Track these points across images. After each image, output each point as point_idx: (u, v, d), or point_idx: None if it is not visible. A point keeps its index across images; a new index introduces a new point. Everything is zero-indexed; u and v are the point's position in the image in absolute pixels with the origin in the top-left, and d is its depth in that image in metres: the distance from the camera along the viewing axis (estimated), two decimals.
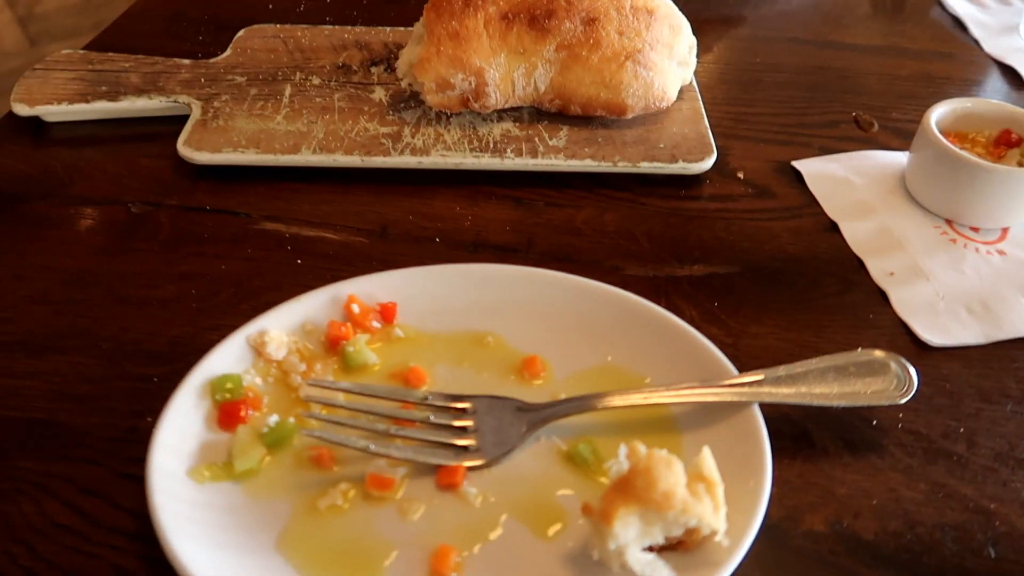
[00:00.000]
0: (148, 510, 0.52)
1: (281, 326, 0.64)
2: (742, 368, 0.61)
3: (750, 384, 0.59)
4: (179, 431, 0.57)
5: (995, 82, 1.08)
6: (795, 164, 0.88)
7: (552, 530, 0.54)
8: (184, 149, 0.83)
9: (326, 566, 0.51)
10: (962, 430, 0.63)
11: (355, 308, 0.65)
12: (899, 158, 0.89)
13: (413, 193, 0.83)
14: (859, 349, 0.62)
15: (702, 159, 0.84)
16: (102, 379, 0.65)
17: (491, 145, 0.84)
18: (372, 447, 0.55)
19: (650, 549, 0.51)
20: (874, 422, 0.63)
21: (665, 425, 0.60)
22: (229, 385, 0.59)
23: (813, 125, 0.96)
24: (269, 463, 0.57)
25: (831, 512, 0.57)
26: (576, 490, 0.56)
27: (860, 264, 0.77)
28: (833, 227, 0.81)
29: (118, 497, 0.57)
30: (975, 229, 0.81)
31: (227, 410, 0.58)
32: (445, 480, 0.56)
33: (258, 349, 0.62)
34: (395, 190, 0.83)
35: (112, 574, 0.53)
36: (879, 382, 0.60)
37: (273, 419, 0.58)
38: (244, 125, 0.85)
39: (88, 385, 0.64)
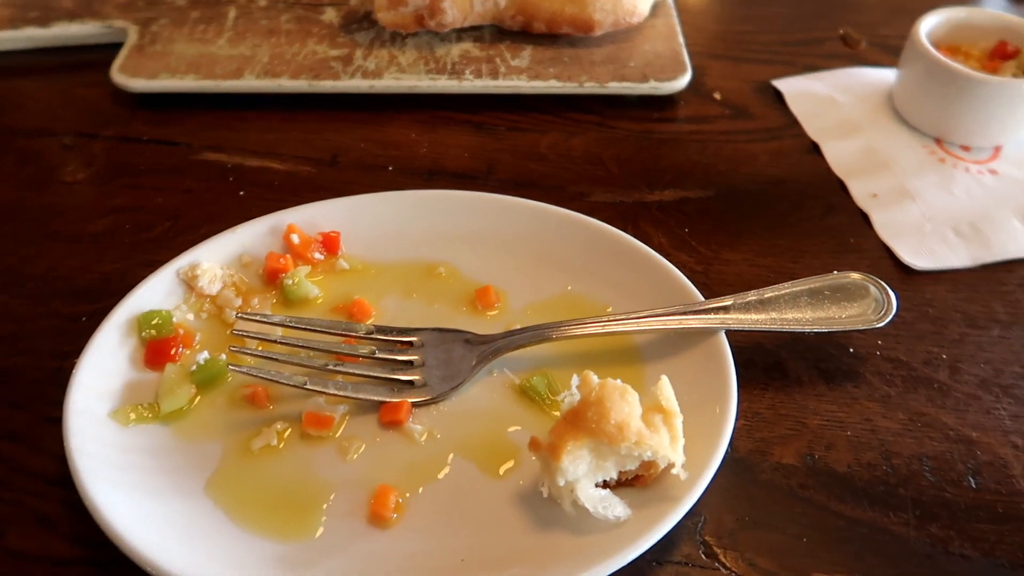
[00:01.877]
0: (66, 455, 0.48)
1: (215, 259, 0.59)
2: (712, 296, 0.57)
3: (716, 310, 0.55)
4: (102, 370, 0.53)
5: None
6: (775, 83, 0.83)
7: (503, 468, 0.50)
8: (119, 76, 0.77)
9: (259, 509, 0.48)
10: (945, 356, 0.59)
11: (295, 238, 0.60)
12: (887, 75, 0.83)
13: (366, 120, 0.78)
14: (834, 272, 0.58)
15: (675, 78, 0.78)
16: (27, 318, 0.61)
17: (449, 67, 0.79)
18: (308, 383, 0.51)
19: (604, 485, 0.47)
20: (851, 350, 0.59)
21: (627, 356, 0.56)
22: (156, 321, 0.55)
23: (797, 43, 0.90)
24: (199, 403, 0.53)
25: (802, 444, 0.54)
26: (529, 426, 0.52)
27: (843, 186, 0.72)
28: (815, 148, 0.76)
29: (41, 441, 0.53)
30: (966, 148, 0.76)
31: (154, 348, 0.54)
32: (388, 417, 0.52)
33: (190, 283, 0.58)
34: (346, 116, 0.78)
35: (33, 520, 0.50)
36: (856, 306, 0.56)
37: (203, 356, 0.54)
38: (184, 50, 0.80)
39: (12, 325, 0.60)
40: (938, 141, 0.76)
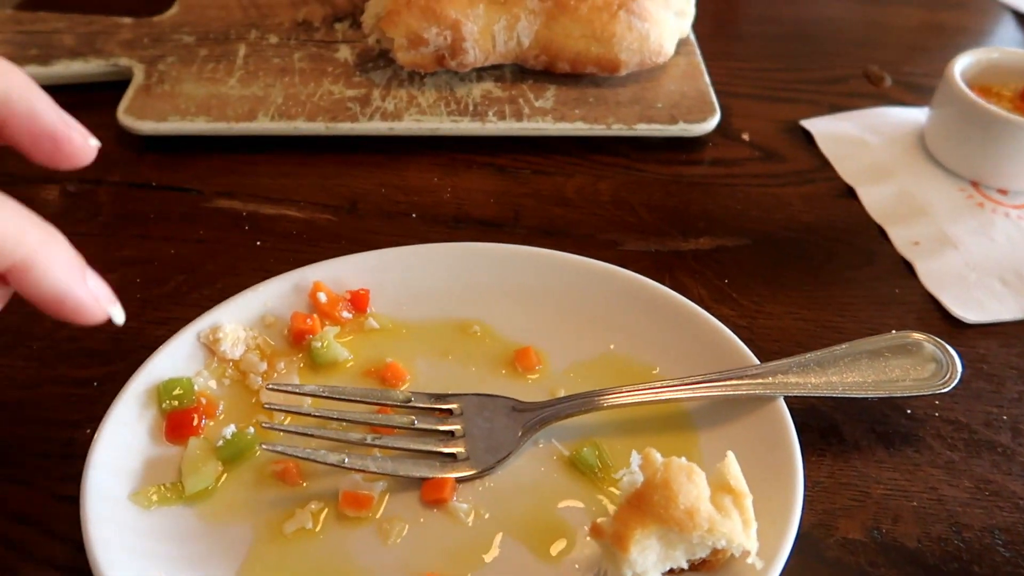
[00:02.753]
0: (84, 542, 0.44)
1: (237, 319, 0.55)
2: (758, 353, 0.54)
3: (775, 374, 0.52)
4: (120, 446, 0.49)
5: (1009, 31, 1.01)
6: (804, 124, 0.81)
7: (555, 549, 0.47)
8: (125, 118, 0.73)
9: None
10: (1005, 417, 0.57)
11: (322, 297, 0.57)
12: (917, 115, 0.81)
13: (385, 163, 0.75)
14: (893, 332, 0.55)
15: (704, 119, 0.76)
16: (32, 384, 0.56)
17: (471, 108, 0.76)
18: (346, 460, 0.48)
19: (671, 572, 0.44)
20: (909, 411, 0.57)
21: (679, 422, 0.53)
22: (178, 391, 0.51)
23: (820, 80, 0.88)
24: (226, 481, 0.49)
25: (868, 517, 0.51)
26: (581, 500, 0.49)
27: (881, 233, 0.70)
28: (849, 192, 0.74)
29: (53, 523, 0.49)
30: (1003, 192, 0.74)
31: (176, 420, 0.50)
32: (431, 495, 0.48)
33: (211, 347, 0.54)
34: (365, 160, 0.75)
35: None
36: (917, 368, 0.53)
37: (230, 430, 0.50)
38: (193, 90, 0.76)
39: (17, 391, 0.56)
40: (974, 184, 0.75)
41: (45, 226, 0.34)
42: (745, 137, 0.79)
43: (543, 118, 0.75)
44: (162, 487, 0.48)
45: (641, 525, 0.42)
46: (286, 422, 0.51)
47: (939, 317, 0.63)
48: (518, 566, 0.46)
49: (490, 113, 0.75)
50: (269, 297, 0.57)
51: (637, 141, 0.77)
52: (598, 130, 0.75)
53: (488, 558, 0.46)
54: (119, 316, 0.38)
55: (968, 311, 0.63)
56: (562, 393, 0.53)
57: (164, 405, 0.51)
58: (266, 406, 0.50)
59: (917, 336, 0.54)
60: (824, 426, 0.55)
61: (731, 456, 0.45)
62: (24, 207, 0.34)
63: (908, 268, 0.67)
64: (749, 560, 0.42)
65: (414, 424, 0.51)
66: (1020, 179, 0.73)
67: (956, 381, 0.52)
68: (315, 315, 0.57)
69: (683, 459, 0.44)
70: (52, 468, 0.52)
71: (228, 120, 0.73)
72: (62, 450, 0.53)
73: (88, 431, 0.50)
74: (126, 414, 0.50)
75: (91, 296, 0.36)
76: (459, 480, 0.49)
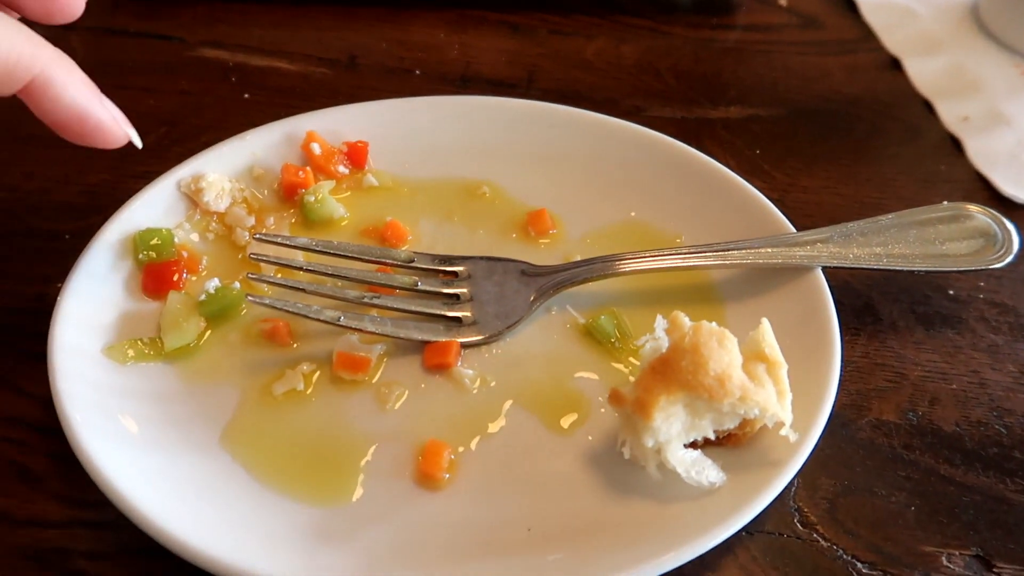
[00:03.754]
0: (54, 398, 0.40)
1: (223, 170, 0.50)
2: (795, 229, 0.49)
3: (812, 243, 0.47)
4: (92, 299, 0.44)
5: None
6: None
7: (567, 421, 0.43)
8: None
9: (285, 466, 0.40)
10: None
11: (316, 148, 0.51)
12: None
13: (387, 16, 0.68)
14: (944, 203, 0.50)
15: None
16: (1, 236, 0.52)
17: None
18: (342, 319, 0.43)
19: (693, 445, 0.40)
20: (951, 292, 0.52)
21: (704, 294, 0.49)
22: (156, 241, 0.46)
23: None
24: (210, 339, 0.45)
25: (904, 399, 0.47)
26: (597, 372, 0.45)
27: (928, 107, 0.64)
28: (895, 64, 0.68)
29: (23, 381, 0.45)
30: None
31: (154, 272, 0.46)
32: (434, 359, 0.44)
33: (193, 198, 0.49)
34: (365, 12, 0.68)
35: (14, 475, 0.42)
36: (968, 242, 0.48)
37: (213, 284, 0.45)
38: None
39: None
40: None
41: (54, 47, 0.34)
42: (782, 2, 0.72)
43: None
44: (139, 342, 0.44)
45: (666, 391, 0.38)
46: (277, 276, 0.46)
47: (988, 196, 0.58)
48: (527, 437, 0.42)
49: None
50: (258, 147, 0.51)
51: (664, 2, 0.70)
52: None
53: (494, 427, 0.43)
54: (137, 139, 0.37)
55: (1020, 190, 0.58)
56: (578, 258, 0.48)
57: (140, 256, 0.46)
58: (252, 257, 0.45)
59: (971, 207, 0.49)
60: (859, 305, 0.51)
61: (766, 323, 0.41)
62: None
63: (956, 145, 0.62)
64: (783, 431, 0.39)
65: (417, 285, 0.46)
66: None
67: (1012, 256, 0.48)
68: (308, 168, 0.51)
69: (713, 324, 0.39)
70: (22, 324, 0.48)
71: None
72: (32, 305, 0.48)
73: (59, 286, 0.45)
74: (98, 265, 0.45)
75: (110, 115, 0.36)
76: (464, 345, 0.45)
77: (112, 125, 0.36)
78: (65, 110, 0.34)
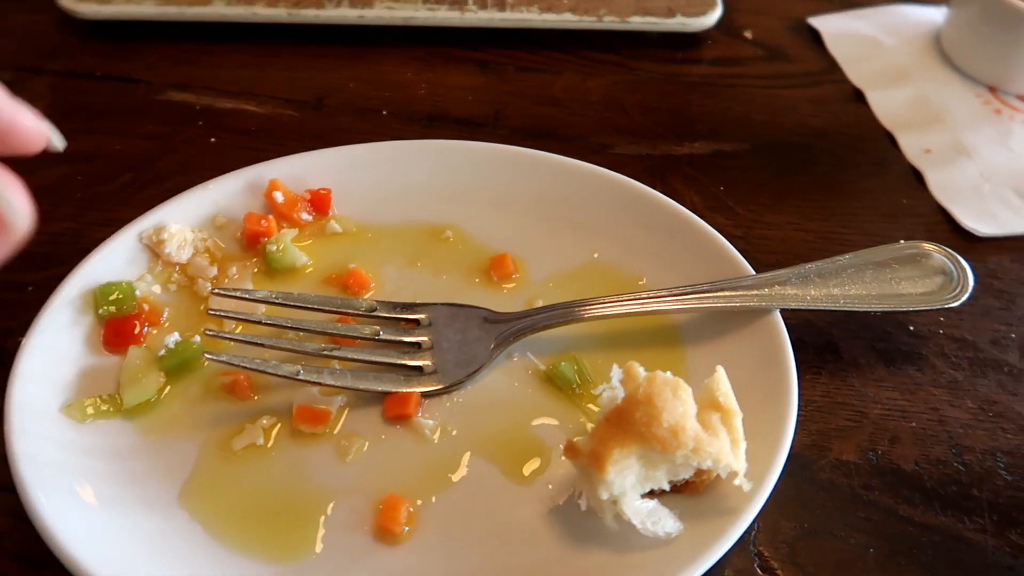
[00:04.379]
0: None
1: (185, 219, 0.50)
2: (755, 265, 0.50)
3: (771, 285, 0.48)
4: (52, 355, 0.44)
5: None
6: (812, 21, 0.74)
7: (528, 468, 0.43)
8: (66, 0, 0.66)
9: (244, 523, 0.41)
10: (1014, 336, 0.53)
11: (278, 196, 0.52)
12: (934, 15, 0.75)
13: (355, 56, 0.68)
14: (901, 242, 0.51)
15: (704, 13, 0.70)
16: None
17: None
18: (300, 372, 0.44)
19: (651, 493, 0.41)
20: (911, 328, 0.53)
21: (665, 337, 0.49)
22: (116, 295, 0.46)
23: None
24: (169, 394, 0.45)
25: (864, 438, 0.47)
26: (557, 418, 0.45)
27: (891, 140, 0.65)
28: (859, 96, 0.68)
29: None
30: (1022, 98, 0.68)
31: (114, 327, 0.46)
32: (394, 410, 0.44)
33: (155, 249, 0.49)
34: (332, 52, 0.68)
35: None
36: (926, 281, 0.49)
37: (173, 338, 0.45)
38: None
39: None
40: (992, 90, 0.69)
41: None
42: (748, 35, 0.73)
43: (528, 8, 0.68)
44: (98, 399, 0.44)
45: (620, 444, 0.38)
46: (237, 331, 0.46)
47: (949, 230, 0.59)
48: (487, 486, 0.43)
49: (470, 2, 0.68)
50: (220, 196, 0.52)
51: (631, 37, 0.71)
52: (588, 22, 0.68)
53: (455, 478, 0.43)
54: (59, 141, 0.36)
55: (980, 223, 0.58)
56: (540, 304, 0.49)
57: (101, 311, 0.46)
58: (211, 313, 0.45)
59: (927, 247, 0.50)
60: (820, 343, 0.52)
61: (721, 371, 0.41)
62: None
63: (918, 178, 0.62)
64: (737, 481, 0.39)
65: (379, 335, 0.46)
66: None
67: (967, 295, 0.48)
68: (271, 216, 0.51)
69: (668, 373, 0.40)
70: None
71: (180, 4, 0.66)
72: None
73: (20, 339, 0.45)
74: (58, 320, 0.45)
75: (33, 121, 0.34)
76: (425, 395, 0.45)
77: (36, 129, 0.35)
78: None
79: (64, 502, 0.39)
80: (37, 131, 0.34)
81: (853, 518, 0.44)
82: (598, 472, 0.38)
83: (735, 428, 0.40)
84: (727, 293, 0.47)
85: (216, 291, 0.46)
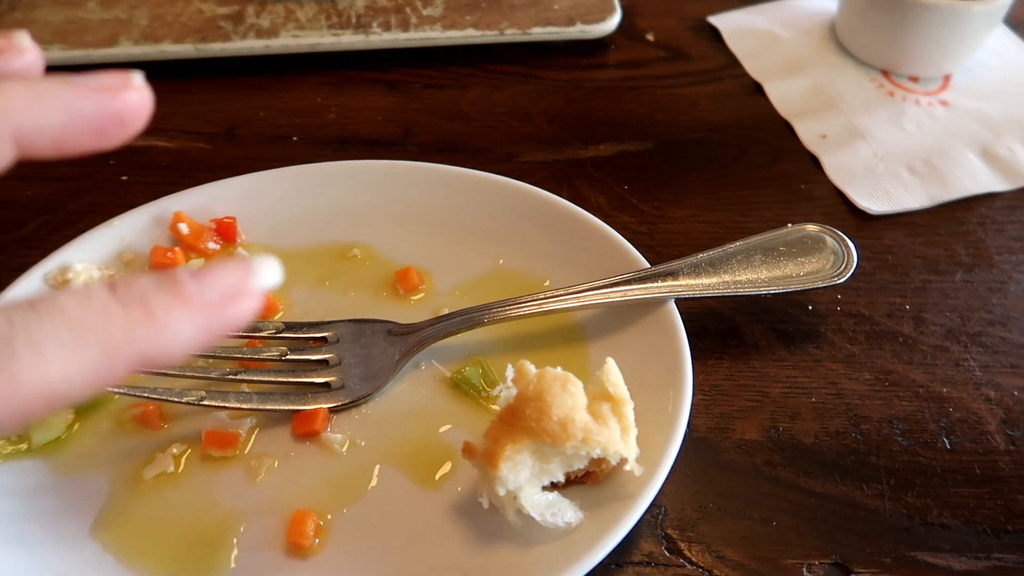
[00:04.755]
0: None
1: (91, 258, 0.51)
2: (658, 259, 0.51)
3: (664, 276, 0.49)
4: None
5: None
6: (712, 20, 0.77)
7: (439, 474, 0.45)
8: None
9: (157, 550, 0.41)
10: (908, 307, 0.55)
11: (183, 228, 0.53)
12: (829, 5, 0.78)
13: (265, 85, 0.69)
14: (788, 226, 0.53)
15: (604, 19, 0.72)
16: None
17: (353, 20, 0.70)
18: (205, 398, 0.44)
19: (552, 486, 0.42)
20: (810, 307, 0.55)
21: (570, 335, 0.50)
22: None
23: None
24: (79, 430, 0.45)
25: (765, 417, 0.49)
26: (464, 423, 0.46)
27: (790, 129, 0.67)
28: (758, 89, 0.71)
29: None
30: (914, 79, 0.71)
31: None
32: (302, 428, 0.45)
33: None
34: (243, 83, 0.69)
35: None
36: (814, 261, 0.51)
37: None
38: (48, 16, 0.70)
39: None
40: (885, 73, 0.72)
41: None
42: (650, 37, 0.75)
43: (431, 27, 0.70)
44: (7, 441, 0.44)
45: (512, 440, 0.39)
46: None
47: (846, 211, 0.61)
48: (399, 494, 0.44)
49: (374, 24, 0.70)
50: (126, 231, 0.52)
51: (536, 47, 0.73)
52: (491, 36, 0.70)
53: (365, 489, 0.44)
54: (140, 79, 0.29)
55: (873, 202, 0.61)
56: (446, 312, 0.50)
57: None
58: None
59: (811, 228, 0.52)
60: (724, 329, 0.53)
61: (610, 362, 0.42)
62: None
63: (816, 164, 0.64)
64: (628, 467, 0.40)
65: (286, 355, 0.47)
66: (931, 65, 0.70)
67: (852, 271, 0.50)
68: (178, 248, 0.52)
69: (559, 369, 0.41)
70: None
71: (87, 47, 0.67)
72: None
73: None
74: None
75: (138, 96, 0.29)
76: (333, 410, 0.46)
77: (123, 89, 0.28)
78: (70, 120, 0.27)
79: None
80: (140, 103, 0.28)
81: (756, 494, 0.46)
82: (492, 470, 0.39)
83: (625, 416, 0.41)
84: (623, 288, 0.49)
85: None
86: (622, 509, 0.41)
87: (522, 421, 0.39)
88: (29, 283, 0.49)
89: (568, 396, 0.40)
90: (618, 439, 0.40)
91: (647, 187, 0.62)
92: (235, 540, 0.42)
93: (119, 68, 0.71)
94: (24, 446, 0.44)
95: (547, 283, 0.53)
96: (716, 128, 0.67)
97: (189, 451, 0.45)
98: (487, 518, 0.42)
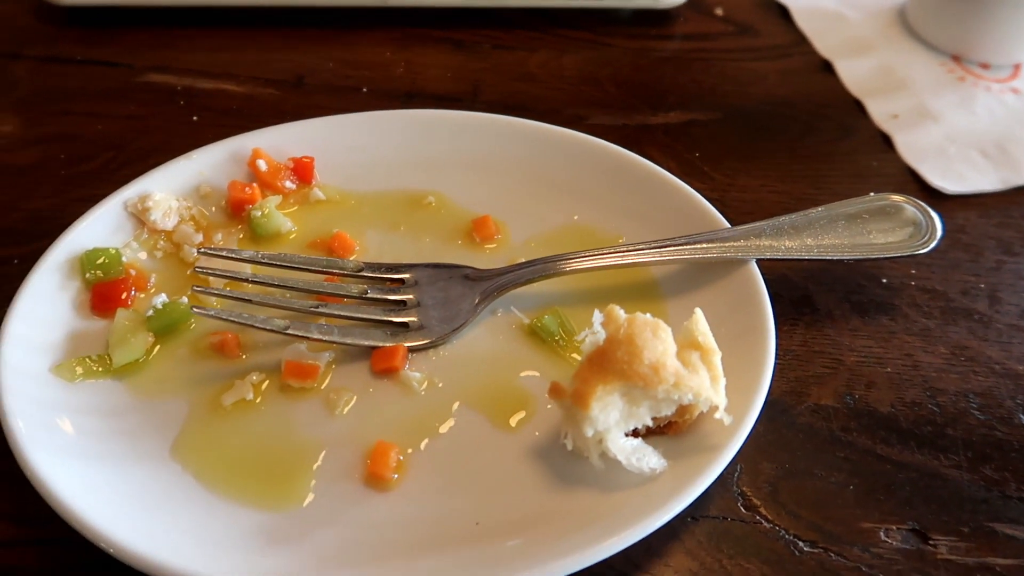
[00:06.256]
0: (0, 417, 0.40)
1: (169, 189, 0.51)
2: (734, 225, 0.51)
3: (747, 237, 0.49)
4: (40, 319, 0.45)
5: None
6: None
7: (515, 419, 0.44)
8: None
9: (236, 474, 0.41)
10: (983, 286, 0.54)
11: (262, 165, 0.52)
12: None
13: (333, 37, 0.69)
14: (871, 194, 0.52)
15: None
16: None
17: None
18: (290, 328, 0.44)
19: (634, 433, 0.42)
20: (884, 280, 0.54)
21: (646, 291, 0.50)
22: (102, 260, 0.47)
23: None
24: (158, 354, 0.45)
25: (840, 383, 0.49)
26: (542, 371, 0.46)
27: (859, 106, 0.67)
28: (827, 67, 0.70)
29: None
30: (985, 66, 0.70)
31: (101, 291, 0.46)
32: (381, 364, 0.45)
33: (140, 217, 0.50)
34: (311, 34, 0.69)
35: None
36: (896, 231, 0.51)
37: (160, 299, 0.46)
38: None
39: None
40: (955, 59, 0.71)
41: None
42: (718, 12, 0.75)
43: None
44: (88, 359, 0.44)
45: (603, 381, 0.39)
46: (224, 289, 0.47)
47: (917, 189, 0.60)
48: (475, 435, 0.43)
49: None
50: (204, 166, 0.52)
51: (603, 14, 0.72)
52: (561, 1, 0.70)
53: (443, 428, 0.44)
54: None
55: (948, 181, 0.60)
56: (522, 261, 0.50)
57: (88, 276, 0.46)
58: (199, 271, 0.46)
59: (896, 198, 0.51)
60: (796, 296, 0.53)
61: (699, 312, 0.42)
62: None
63: (886, 142, 0.64)
64: (717, 415, 0.40)
65: (366, 293, 0.47)
66: (1003, 52, 0.70)
67: (936, 242, 0.50)
68: (255, 184, 0.52)
69: (648, 315, 0.41)
70: None
71: None
72: None
73: (7, 309, 0.45)
74: (45, 286, 0.46)
75: None
76: (412, 349, 0.46)
77: None
78: None
79: (56, 457, 0.39)
80: None
81: (832, 458, 0.46)
82: (582, 409, 0.39)
83: (714, 366, 0.41)
84: (704, 245, 0.49)
85: (203, 250, 0.46)
86: (706, 459, 0.40)
87: (613, 363, 0.39)
88: (110, 208, 0.49)
89: (659, 341, 0.40)
90: (709, 386, 0.40)
91: (717, 155, 0.62)
92: (314, 468, 0.42)
93: (190, 11, 0.71)
94: (103, 367, 0.44)
95: (622, 239, 0.52)
96: (784, 102, 0.67)
97: (267, 381, 0.44)
98: (565, 463, 0.42)
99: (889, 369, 0.50)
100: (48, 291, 0.46)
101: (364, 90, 0.65)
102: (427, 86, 0.66)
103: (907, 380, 0.49)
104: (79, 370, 0.43)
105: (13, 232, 0.54)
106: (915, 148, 0.63)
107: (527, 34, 0.71)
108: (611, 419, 0.39)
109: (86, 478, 0.39)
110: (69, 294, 0.46)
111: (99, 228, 0.48)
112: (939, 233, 0.50)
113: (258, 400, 0.44)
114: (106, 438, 0.41)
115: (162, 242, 0.50)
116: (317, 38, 0.69)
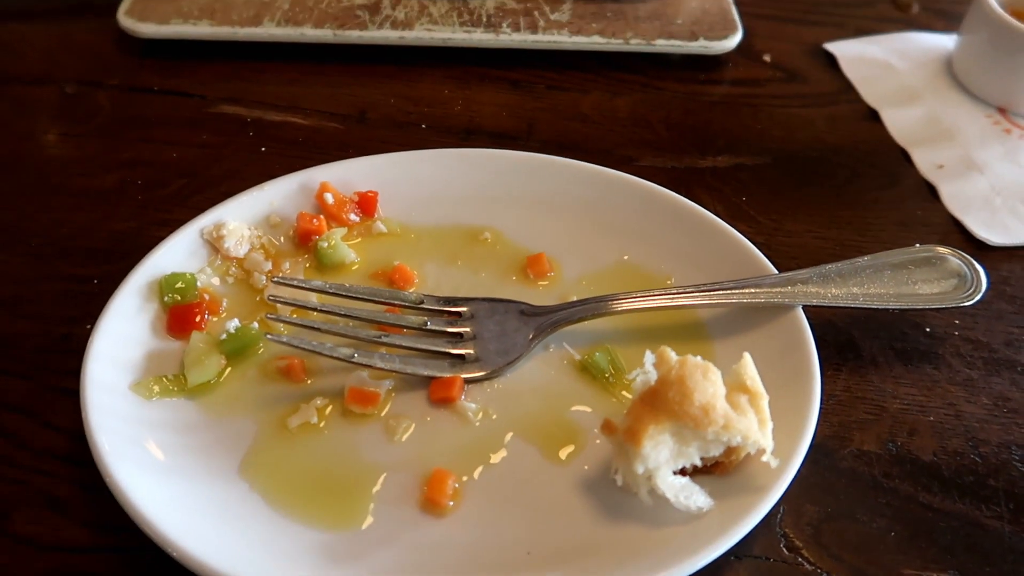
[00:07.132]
0: (84, 430, 0.43)
1: (242, 218, 0.54)
2: (781, 270, 0.52)
3: (794, 283, 0.50)
4: (120, 338, 0.47)
5: None
6: (828, 47, 0.78)
7: (564, 452, 0.46)
8: (126, 20, 0.71)
9: (300, 494, 0.43)
10: None
11: (329, 198, 0.55)
12: (945, 41, 0.79)
13: (395, 74, 0.72)
14: (917, 245, 0.53)
15: (726, 37, 0.73)
16: (31, 280, 0.55)
17: (484, 19, 0.73)
18: (355, 356, 0.46)
19: (682, 472, 0.43)
20: (928, 329, 0.55)
21: (693, 332, 0.52)
22: (180, 285, 0.50)
23: (846, 4, 0.85)
24: (229, 376, 0.48)
25: (883, 430, 0.50)
26: (592, 405, 0.48)
27: (905, 155, 0.68)
28: (873, 115, 0.72)
29: (50, 415, 0.48)
30: None
31: (178, 314, 0.49)
32: (439, 394, 0.47)
33: (215, 244, 0.52)
34: (374, 70, 0.72)
35: (42, 503, 0.45)
36: (941, 282, 0.52)
37: (233, 324, 0.49)
38: None
39: (14, 287, 0.55)
40: (1002, 111, 0.72)
41: None
42: (767, 58, 0.77)
43: (559, 31, 0.72)
44: (164, 379, 0.47)
45: (655, 420, 0.40)
46: (293, 317, 0.49)
47: (961, 240, 0.61)
48: (527, 466, 0.45)
49: (504, 25, 0.73)
50: (275, 196, 0.55)
51: (655, 58, 0.75)
52: (615, 45, 0.72)
53: (496, 458, 0.45)
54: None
55: (993, 233, 0.61)
56: (574, 299, 0.52)
57: (166, 299, 0.49)
58: (270, 299, 0.49)
59: (942, 250, 0.53)
60: (841, 341, 0.54)
61: (747, 357, 0.44)
62: None
63: (931, 191, 0.65)
64: (764, 458, 0.41)
65: (426, 325, 0.49)
66: None
67: (981, 295, 0.51)
68: (322, 216, 0.55)
69: (698, 358, 0.42)
70: (49, 362, 0.51)
71: (232, 24, 0.71)
72: (60, 345, 0.51)
73: (87, 327, 0.48)
74: (126, 307, 0.48)
75: None
76: (468, 381, 0.48)
77: None
78: None
79: (135, 469, 0.42)
80: None
81: (874, 503, 0.47)
82: (634, 446, 0.40)
83: (762, 409, 0.42)
84: (752, 290, 0.50)
85: (275, 279, 0.49)
86: (752, 500, 0.42)
87: (664, 404, 0.41)
88: (188, 235, 0.52)
89: (709, 384, 0.41)
90: (757, 429, 0.41)
91: (764, 200, 0.63)
92: (373, 492, 0.44)
93: (261, 46, 0.75)
94: (178, 386, 0.46)
95: (671, 281, 0.54)
96: (832, 149, 0.68)
97: (331, 405, 0.47)
98: (614, 497, 0.43)
99: (932, 418, 0.51)
100: (129, 312, 0.48)
101: (423, 126, 0.68)
102: (484, 123, 0.69)
103: (950, 429, 0.50)
104: (156, 388, 0.46)
105: (94, 252, 0.57)
106: (960, 199, 0.64)
107: (581, 76, 0.73)
108: (661, 457, 0.41)
109: (161, 491, 0.42)
110: (148, 316, 0.49)
111: (177, 253, 0.51)
112: (984, 286, 0.51)
113: (321, 424, 0.46)
114: (179, 454, 0.44)
115: (234, 268, 0.53)
116: (380, 75, 0.72)
